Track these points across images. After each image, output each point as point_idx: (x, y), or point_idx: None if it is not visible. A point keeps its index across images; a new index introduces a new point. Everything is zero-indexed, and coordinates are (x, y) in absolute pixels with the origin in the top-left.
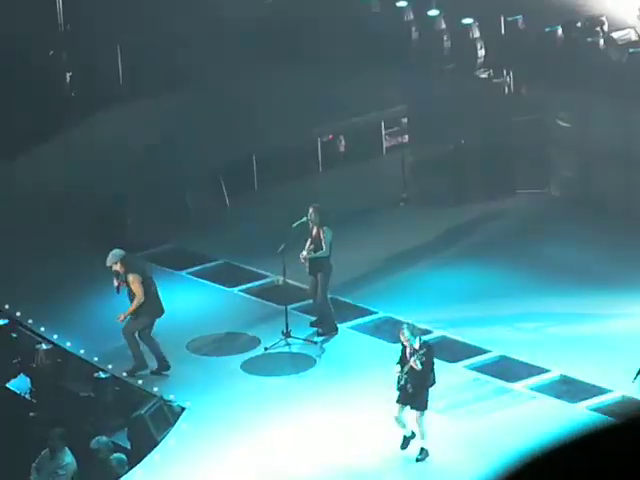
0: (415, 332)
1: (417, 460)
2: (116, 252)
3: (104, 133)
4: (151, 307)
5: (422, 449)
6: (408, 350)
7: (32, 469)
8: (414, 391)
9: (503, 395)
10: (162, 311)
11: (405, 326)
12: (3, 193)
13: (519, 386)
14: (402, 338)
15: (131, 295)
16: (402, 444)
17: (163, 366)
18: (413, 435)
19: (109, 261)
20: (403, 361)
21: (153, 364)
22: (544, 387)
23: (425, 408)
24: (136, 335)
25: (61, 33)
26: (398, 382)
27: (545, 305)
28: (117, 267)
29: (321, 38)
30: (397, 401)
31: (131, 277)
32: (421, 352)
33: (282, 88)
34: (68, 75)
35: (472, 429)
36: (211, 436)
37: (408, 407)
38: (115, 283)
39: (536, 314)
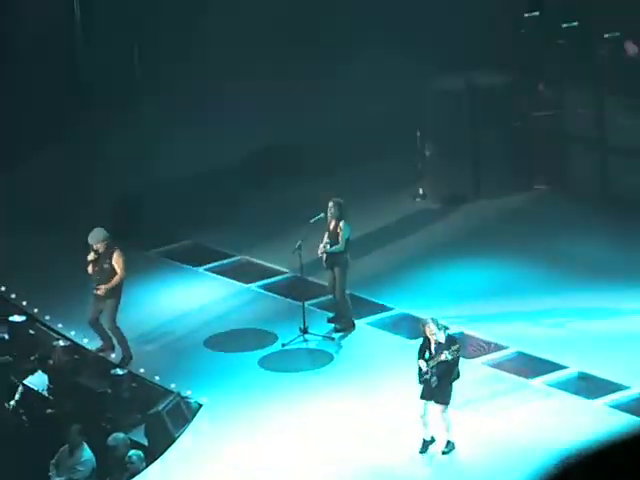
0: (440, 326)
1: (443, 453)
2: (101, 230)
3: (121, 130)
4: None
5: (448, 442)
6: (433, 344)
7: (51, 466)
8: (439, 385)
9: (521, 391)
10: None
11: (431, 319)
12: (18, 190)
13: (537, 382)
14: (427, 332)
15: (107, 273)
16: (421, 448)
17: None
18: (432, 440)
19: (96, 239)
20: (424, 355)
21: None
22: (562, 383)
23: (449, 402)
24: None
25: (78, 29)
26: (420, 376)
27: (563, 301)
28: (100, 245)
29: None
30: (421, 397)
31: (117, 253)
32: (454, 347)
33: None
34: (86, 71)
35: (490, 425)
36: (228, 432)
37: (432, 402)
38: (91, 257)
39: (554, 310)
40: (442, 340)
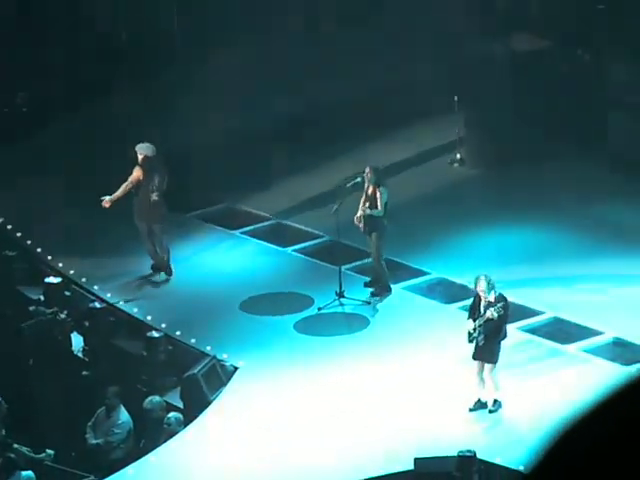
0: (492, 283)
1: (490, 412)
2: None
3: (160, 93)
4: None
5: (495, 401)
6: (482, 302)
7: (88, 428)
8: (486, 343)
9: (556, 357)
10: None
11: (483, 277)
12: (64, 148)
13: (572, 348)
14: (478, 288)
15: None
16: (474, 405)
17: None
18: (486, 403)
19: (150, 150)
20: (474, 314)
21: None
22: (597, 349)
23: (497, 360)
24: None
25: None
26: (470, 336)
27: (599, 267)
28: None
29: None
30: (473, 357)
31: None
32: (499, 304)
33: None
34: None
35: (525, 390)
36: (264, 396)
37: (481, 362)
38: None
39: (590, 276)
40: (492, 299)
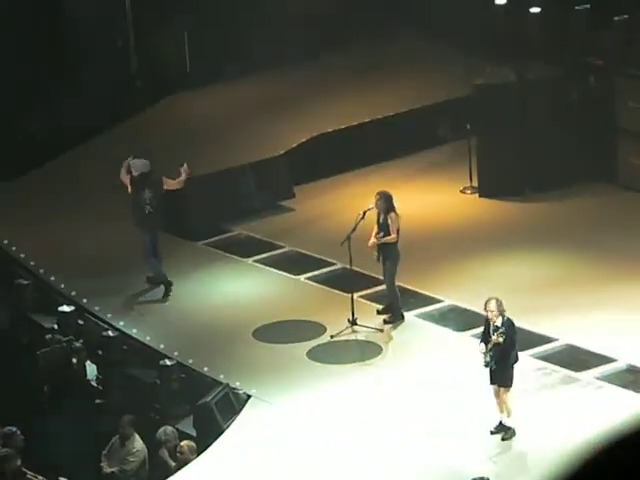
0: (501, 307)
1: (503, 439)
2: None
3: (168, 120)
4: None
5: (508, 428)
6: (492, 326)
7: (102, 457)
8: (498, 367)
9: (569, 384)
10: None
11: (494, 300)
12: (72, 175)
13: (585, 375)
14: (488, 311)
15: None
16: (495, 428)
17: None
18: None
19: (146, 167)
20: (487, 338)
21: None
22: (610, 377)
23: (510, 385)
24: None
25: (128, 18)
26: (484, 360)
27: (613, 294)
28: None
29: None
30: (491, 382)
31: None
32: (502, 329)
33: (353, 72)
34: (135, 61)
35: (538, 417)
36: (276, 424)
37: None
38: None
39: (604, 303)
40: (499, 323)
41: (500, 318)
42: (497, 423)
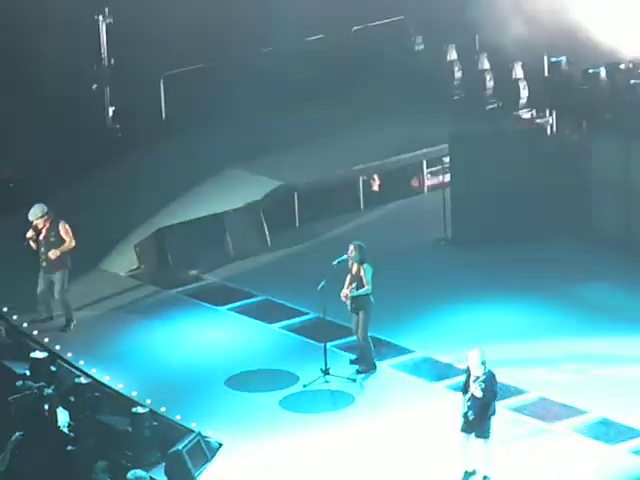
0: (483, 359)
1: None
2: (40, 206)
3: (146, 169)
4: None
5: (485, 477)
6: (472, 377)
7: None
8: (475, 419)
9: (542, 435)
10: None
11: (476, 351)
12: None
13: (558, 427)
14: (469, 362)
15: (55, 246)
16: (462, 478)
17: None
18: (474, 472)
19: (36, 215)
20: (466, 388)
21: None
22: (583, 428)
23: (488, 436)
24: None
25: (105, 68)
26: (462, 411)
27: (584, 346)
28: (40, 221)
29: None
30: (461, 429)
31: (62, 224)
32: (481, 379)
33: (325, 124)
34: (111, 110)
35: (510, 469)
36: (248, 472)
37: (473, 435)
38: (29, 235)
39: (575, 355)
40: (479, 374)
41: (482, 369)
42: (463, 473)
